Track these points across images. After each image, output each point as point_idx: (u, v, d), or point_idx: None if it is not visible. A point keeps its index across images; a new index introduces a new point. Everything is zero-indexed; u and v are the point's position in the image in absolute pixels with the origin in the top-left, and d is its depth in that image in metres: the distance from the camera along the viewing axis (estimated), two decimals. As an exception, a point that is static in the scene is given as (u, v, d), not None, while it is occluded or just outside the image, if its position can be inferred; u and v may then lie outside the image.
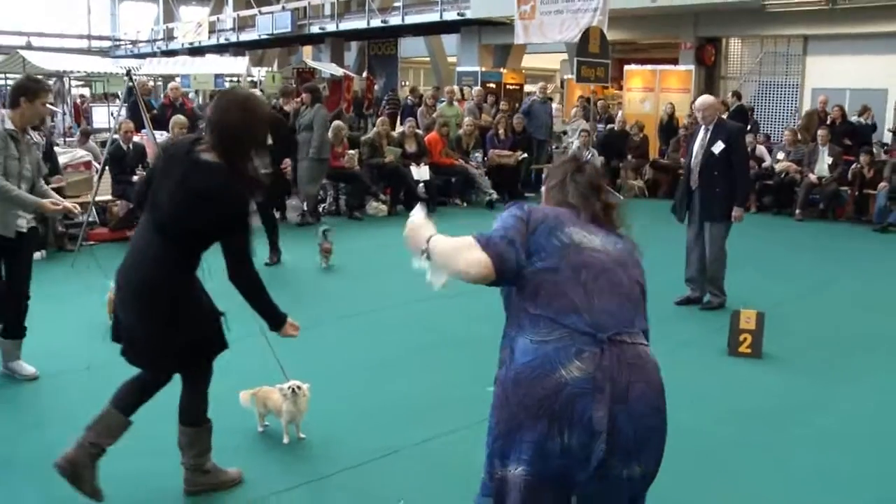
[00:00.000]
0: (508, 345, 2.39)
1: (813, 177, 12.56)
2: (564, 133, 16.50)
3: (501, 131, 14.16)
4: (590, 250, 2.44)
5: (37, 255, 8.94)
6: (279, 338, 3.76)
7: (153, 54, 34.69)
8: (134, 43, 41.33)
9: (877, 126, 15.45)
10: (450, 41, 26.91)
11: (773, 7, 17.33)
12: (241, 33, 31.93)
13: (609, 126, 15.73)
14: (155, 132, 10.95)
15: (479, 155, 13.76)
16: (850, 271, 9.14)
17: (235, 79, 20.61)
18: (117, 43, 43.05)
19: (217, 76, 19.53)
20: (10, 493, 3.82)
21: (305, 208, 11.46)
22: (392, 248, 10.03)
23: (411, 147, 12.88)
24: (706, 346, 6.24)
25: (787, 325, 6.72)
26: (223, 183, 3.32)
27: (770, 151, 13.72)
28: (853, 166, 12.55)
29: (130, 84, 10.89)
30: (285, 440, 4.32)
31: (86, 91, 26.87)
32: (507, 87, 21.14)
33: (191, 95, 23.34)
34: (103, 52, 39.50)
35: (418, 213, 2.67)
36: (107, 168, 10.13)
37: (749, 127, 14.50)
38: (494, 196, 13.13)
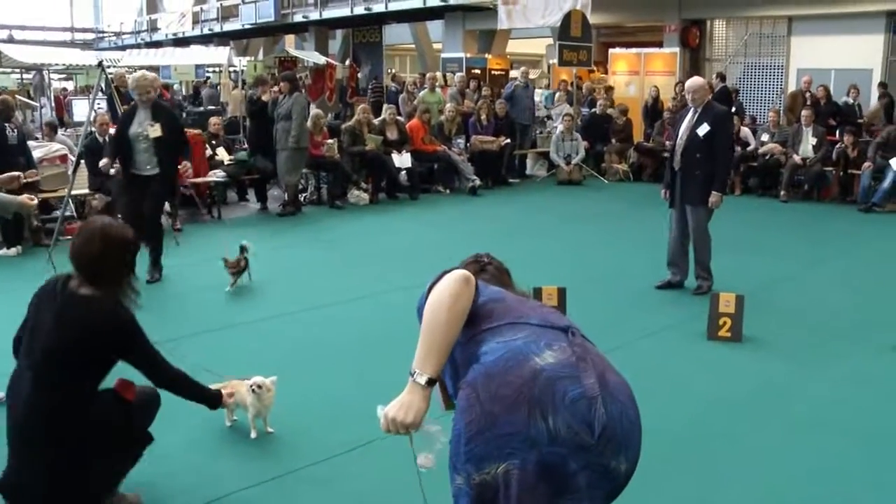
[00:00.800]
0: (471, 363, 2.25)
1: (797, 158, 12.49)
2: (549, 118, 16.40)
3: (484, 117, 14.05)
4: (523, 294, 2.60)
5: (12, 251, 8.93)
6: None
7: (137, 46, 34.41)
8: (118, 35, 40.99)
9: (861, 106, 15.40)
10: (435, 28, 26.76)
11: (757, -12, 17.27)
12: (224, 23, 31.69)
13: (591, 110, 15.62)
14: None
15: (461, 141, 13.65)
16: (834, 252, 9.09)
17: (217, 69, 20.44)
18: (101, 35, 42.70)
19: (198, 66, 19.35)
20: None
21: (286, 198, 11.38)
22: (373, 236, 10.01)
23: (392, 134, 12.77)
24: (685, 330, 6.16)
25: (769, 308, 6.66)
26: (106, 314, 3.32)
27: (755, 133, 13.64)
28: (837, 146, 12.48)
29: (109, 76, 10.75)
30: (252, 435, 4.24)
31: (69, 84, 26.66)
32: (493, 72, 21.03)
33: (176, 87, 23.23)
34: (87, 45, 39.17)
35: (382, 408, 2.32)
36: (82, 161, 10.01)
37: (734, 109, 14.45)
38: (478, 182, 13.03)
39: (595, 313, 6.51)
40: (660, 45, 19.57)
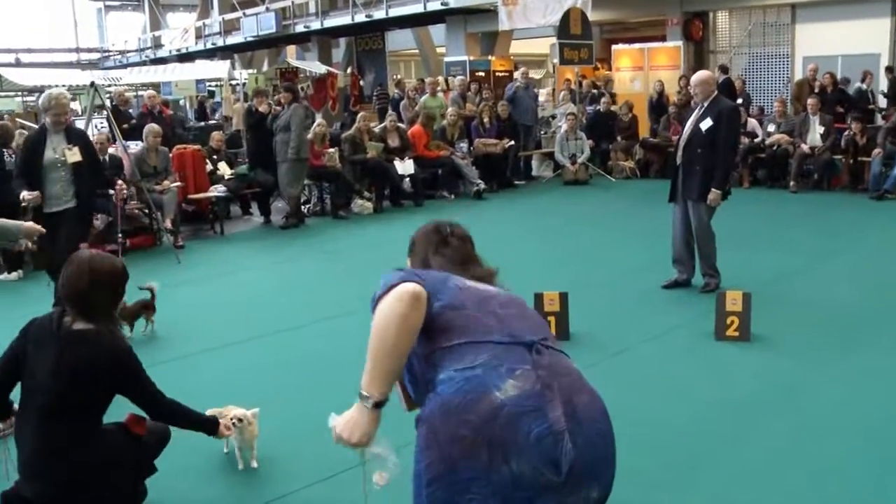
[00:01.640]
0: (428, 390, 2.12)
1: (805, 147, 12.29)
2: (553, 117, 16.26)
3: (486, 119, 13.92)
4: (486, 290, 2.29)
5: (13, 275, 8.87)
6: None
7: (142, 63, 34.50)
8: (122, 53, 41.11)
9: (874, 93, 15.20)
10: (438, 32, 26.65)
11: (759, -24, 17.08)
12: (227, 37, 31.70)
13: (595, 107, 15.48)
14: (130, 142, 10.80)
15: (464, 145, 13.52)
16: (845, 244, 8.88)
17: (218, 83, 20.40)
18: (106, 54, 42.84)
19: (199, 81, 19.30)
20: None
21: (289, 211, 11.30)
22: (377, 245, 9.89)
23: (394, 141, 12.66)
24: (692, 330, 6.01)
25: (779, 305, 6.49)
26: (105, 349, 3.30)
27: (761, 124, 13.45)
28: (845, 134, 12.28)
29: (108, 95, 10.70)
30: (240, 466, 4.11)
31: (75, 105, 26.69)
32: (497, 74, 20.90)
33: (181, 102, 23.22)
34: (92, 65, 39.32)
35: (334, 419, 2.27)
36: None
37: (741, 100, 14.27)
38: (482, 186, 12.90)
39: (600, 316, 6.39)
40: (663, 39, 19.40)
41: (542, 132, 15.61)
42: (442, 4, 21.52)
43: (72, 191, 6.58)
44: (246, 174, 11.66)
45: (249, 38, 29.19)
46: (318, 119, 13.12)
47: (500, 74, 20.96)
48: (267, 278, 8.62)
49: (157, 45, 36.67)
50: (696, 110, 7.01)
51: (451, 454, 1.96)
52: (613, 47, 19.55)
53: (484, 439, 1.93)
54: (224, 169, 11.71)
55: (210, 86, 21.15)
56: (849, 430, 4.32)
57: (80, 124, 14.57)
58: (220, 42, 32.00)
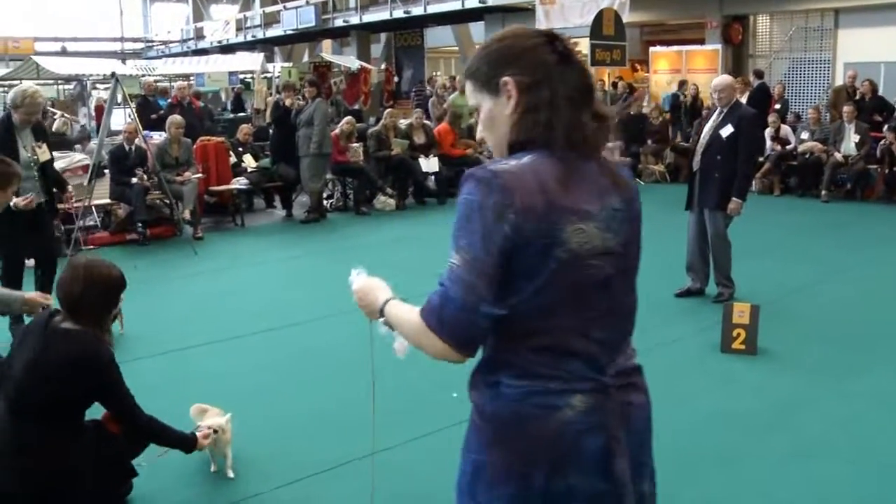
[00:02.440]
0: (490, 373, 1.96)
1: (839, 155, 11.99)
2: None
3: (515, 119, 13.77)
4: (589, 258, 1.90)
5: (30, 262, 8.93)
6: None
7: (185, 54, 34.87)
8: (165, 43, 41.61)
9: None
10: (478, 29, 26.55)
11: (802, -20, 16.73)
12: (267, 29, 31.89)
13: (625, 110, 15.26)
14: (155, 132, 10.88)
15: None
16: (868, 258, 8.56)
17: (250, 75, 20.50)
18: (149, 44, 43.39)
19: (231, 73, 19.41)
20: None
21: (311, 205, 11.29)
22: (398, 242, 9.81)
23: (419, 139, 12.59)
24: (699, 342, 5.86)
25: (790, 318, 6.31)
26: (87, 348, 3.32)
27: (794, 131, 13.16)
28: (881, 143, 11.96)
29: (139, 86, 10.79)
30: (212, 468, 4.04)
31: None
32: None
33: (220, 93, 23.39)
34: (136, 54, 39.83)
35: (359, 276, 2.27)
36: (105, 171, 10.06)
37: (779, 106, 13.98)
38: (508, 186, 12.75)
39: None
40: (702, 42, 19.10)
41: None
42: (479, 2, 21.43)
43: (41, 188, 6.44)
44: (268, 168, 11.67)
45: (289, 31, 29.32)
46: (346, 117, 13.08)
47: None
48: (279, 272, 8.59)
49: (200, 36, 37.04)
50: (715, 115, 6.85)
51: (511, 463, 1.90)
52: (651, 49, 19.29)
53: (545, 458, 1.89)
54: (249, 161, 11.73)
55: (245, 78, 21.26)
56: (845, 452, 4.15)
57: (115, 112, 14.74)
58: (259, 35, 32.22)
